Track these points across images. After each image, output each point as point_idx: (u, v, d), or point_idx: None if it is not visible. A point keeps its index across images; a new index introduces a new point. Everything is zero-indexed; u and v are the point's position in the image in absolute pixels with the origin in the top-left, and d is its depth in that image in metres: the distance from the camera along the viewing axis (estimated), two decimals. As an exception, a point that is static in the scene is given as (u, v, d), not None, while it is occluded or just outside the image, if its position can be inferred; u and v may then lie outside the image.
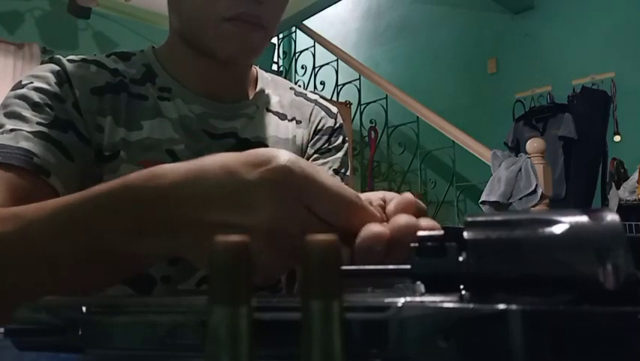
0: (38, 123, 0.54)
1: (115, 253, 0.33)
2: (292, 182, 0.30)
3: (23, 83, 0.57)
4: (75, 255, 0.34)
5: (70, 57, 0.62)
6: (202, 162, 0.32)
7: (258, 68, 0.75)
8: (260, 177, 0.30)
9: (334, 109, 0.77)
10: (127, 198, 0.33)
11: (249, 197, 0.30)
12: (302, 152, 0.71)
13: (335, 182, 0.31)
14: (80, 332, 0.22)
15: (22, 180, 0.49)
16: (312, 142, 0.72)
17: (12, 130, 0.52)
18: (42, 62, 0.61)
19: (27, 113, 0.54)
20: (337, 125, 0.75)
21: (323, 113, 0.75)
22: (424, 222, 0.33)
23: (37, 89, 0.56)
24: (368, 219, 0.32)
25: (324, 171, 0.38)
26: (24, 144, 0.51)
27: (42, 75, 0.58)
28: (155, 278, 0.58)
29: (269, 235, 0.29)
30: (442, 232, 0.21)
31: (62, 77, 0.58)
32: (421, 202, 0.37)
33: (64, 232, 0.34)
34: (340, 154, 0.73)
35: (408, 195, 0.36)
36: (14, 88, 0.57)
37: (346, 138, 0.76)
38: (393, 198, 0.37)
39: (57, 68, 0.59)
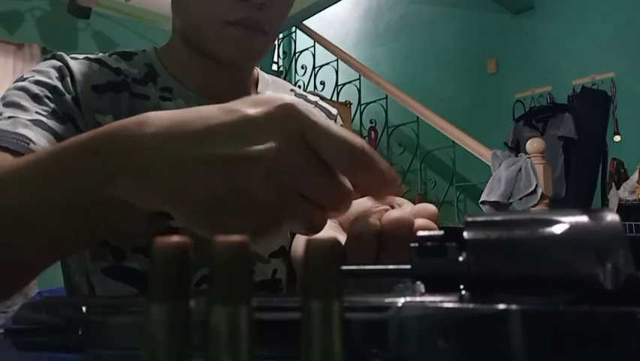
0: (37, 113, 0.54)
1: (90, 199, 0.32)
2: (298, 117, 0.28)
3: (25, 76, 0.58)
4: (50, 202, 0.33)
5: (73, 55, 0.63)
6: (196, 107, 0.31)
7: (258, 69, 0.75)
8: (265, 113, 0.29)
9: (334, 110, 0.77)
10: (105, 138, 0.31)
11: (252, 129, 0.28)
12: None
13: (342, 129, 0.30)
14: (79, 332, 0.22)
15: None
16: None
17: (10, 117, 0.52)
18: (45, 59, 0.62)
19: (26, 103, 0.54)
20: None
21: (323, 115, 0.75)
22: (419, 220, 0.33)
23: (37, 82, 0.57)
24: (375, 170, 0.30)
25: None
26: (21, 130, 0.51)
27: (44, 70, 0.59)
28: None
29: (269, 170, 0.28)
30: (442, 232, 0.21)
31: (64, 72, 0.59)
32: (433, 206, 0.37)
33: (41, 176, 0.33)
34: None
35: (429, 205, 0.36)
36: (16, 81, 0.58)
37: None
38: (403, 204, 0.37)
39: (59, 63, 0.60)
